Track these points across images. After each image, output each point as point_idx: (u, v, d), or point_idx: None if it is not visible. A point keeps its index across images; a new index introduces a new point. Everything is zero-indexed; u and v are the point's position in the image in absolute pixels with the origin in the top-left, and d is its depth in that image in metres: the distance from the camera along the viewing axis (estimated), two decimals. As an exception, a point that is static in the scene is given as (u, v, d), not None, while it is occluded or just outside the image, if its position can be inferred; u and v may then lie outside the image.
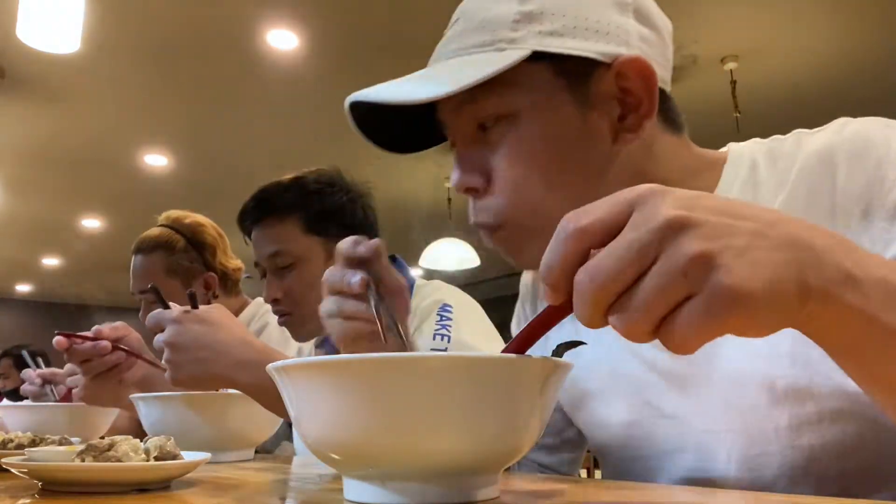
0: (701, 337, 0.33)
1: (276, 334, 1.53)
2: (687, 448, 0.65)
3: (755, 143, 0.66)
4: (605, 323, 0.36)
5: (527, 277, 0.87)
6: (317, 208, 1.24)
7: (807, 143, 0.61)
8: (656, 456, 0.67)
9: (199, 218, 1.69)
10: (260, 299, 1.66)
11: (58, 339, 1.11)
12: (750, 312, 0.33)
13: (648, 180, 0.60)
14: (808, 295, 0.35)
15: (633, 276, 0.34)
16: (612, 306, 0.35)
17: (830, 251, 0.36)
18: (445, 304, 1.22)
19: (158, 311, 0.93)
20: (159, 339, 0.91)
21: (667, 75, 0.66)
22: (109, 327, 1.16)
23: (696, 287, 0.33)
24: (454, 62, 0.62)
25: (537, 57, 0.60)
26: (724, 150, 0.68)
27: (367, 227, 1.30)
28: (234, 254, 1.72)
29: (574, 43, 0.60)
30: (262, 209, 1.24)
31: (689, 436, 0.64)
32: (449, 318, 1.19)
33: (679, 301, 0.33)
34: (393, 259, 1.37)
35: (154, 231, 1.63)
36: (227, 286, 1.68)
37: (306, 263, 1.21)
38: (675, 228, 0.34)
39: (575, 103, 0.62)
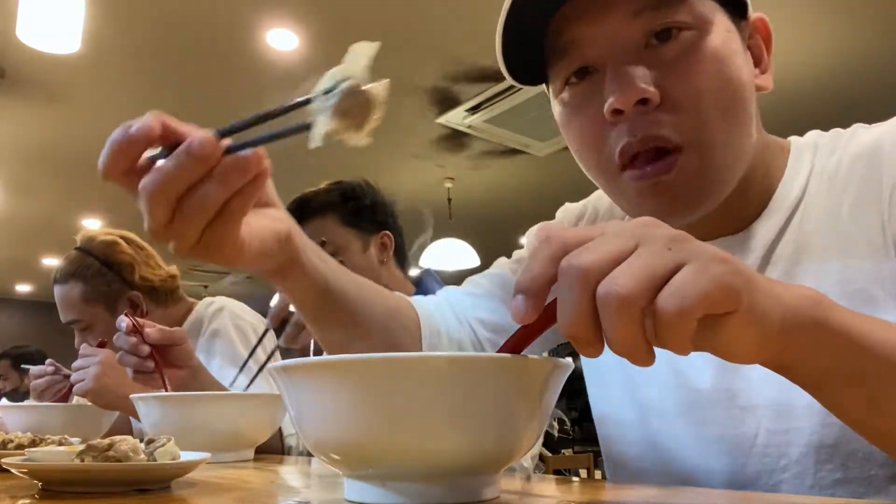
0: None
1: (230, 337, 1.50)
2: (716, 418, 0.64)
3: (817, 134, 0.68)
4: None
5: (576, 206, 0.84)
6: (352, 206, 1.48)
7: (862, 135, 0.63)
8: (686, 424, 0.67)
9: (114, 235, 1.60)
10: (208, 300, 1.61)
11: (126, 322, 1.03)
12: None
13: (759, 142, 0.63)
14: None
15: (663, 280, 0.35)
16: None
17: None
18: None
19: None
20: None
21: None
22: (158, 330, 1.07)
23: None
24: None
25: None
26: (784, 140, 0.70)
27: (394, 227, 1.53)
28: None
29: None
30: (303, 209, 1.45)
31: (720, 408, 0.64)
32: None
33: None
34: (426, 272, 1.56)
35: (68, 256, 1.57)
36: (159, 298, 1.58)
37: (345, 252, 1.41)
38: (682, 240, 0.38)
39: (740, 38, 0.63)
